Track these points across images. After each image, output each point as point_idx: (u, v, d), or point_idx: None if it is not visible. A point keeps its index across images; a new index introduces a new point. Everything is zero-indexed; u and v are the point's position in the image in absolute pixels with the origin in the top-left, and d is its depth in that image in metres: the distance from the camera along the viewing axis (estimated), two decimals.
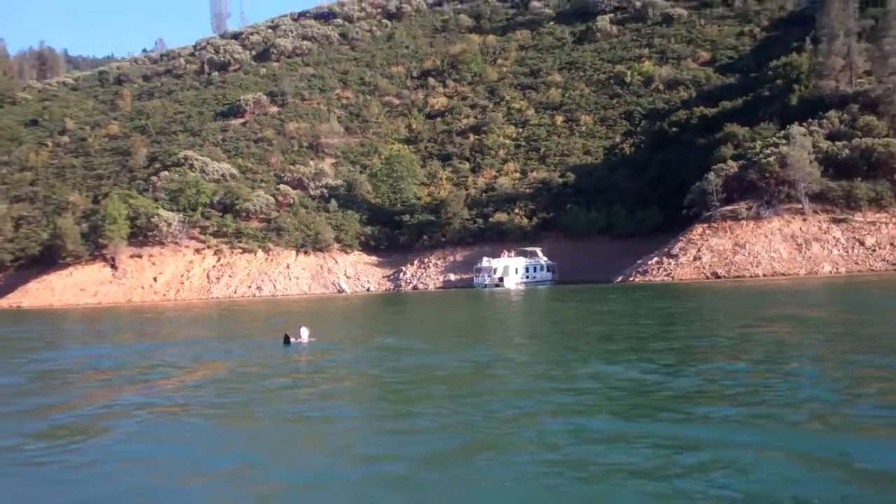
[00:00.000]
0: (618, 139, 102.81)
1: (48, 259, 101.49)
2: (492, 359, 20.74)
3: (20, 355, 28.88)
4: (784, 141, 73.88)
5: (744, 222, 72.84)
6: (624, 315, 35.45)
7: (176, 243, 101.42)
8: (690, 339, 23.32)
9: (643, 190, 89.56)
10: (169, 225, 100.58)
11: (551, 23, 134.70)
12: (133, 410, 14.82)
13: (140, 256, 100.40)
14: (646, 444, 10.29)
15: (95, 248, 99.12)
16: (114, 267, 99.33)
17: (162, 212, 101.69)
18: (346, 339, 29.60)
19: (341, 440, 12.01)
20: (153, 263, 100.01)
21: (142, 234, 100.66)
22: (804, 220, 71.38)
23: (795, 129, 74.71)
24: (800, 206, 71.96)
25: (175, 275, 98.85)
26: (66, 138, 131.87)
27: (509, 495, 8.74)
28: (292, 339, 24.79)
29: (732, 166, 76.47)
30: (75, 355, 28.47)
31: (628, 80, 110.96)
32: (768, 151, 73.91)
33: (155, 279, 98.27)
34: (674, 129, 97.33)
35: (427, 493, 9.10)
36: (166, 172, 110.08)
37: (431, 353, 22.90)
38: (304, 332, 25.04)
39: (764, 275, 67.01)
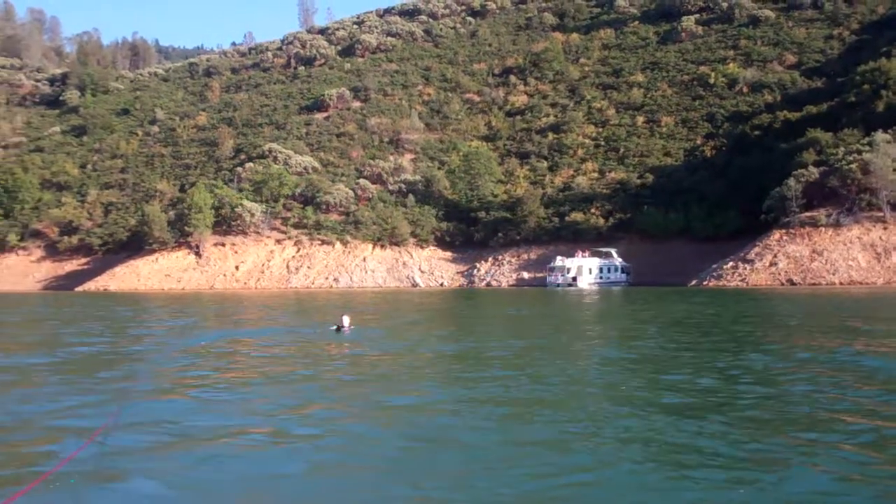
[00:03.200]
0: (699, 141, 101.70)
1: (135, 245, 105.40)
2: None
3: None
4: (868, 148, 72.62)
5: (822, 229, 71.84)
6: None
7: (258, 233, 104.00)
8: None
9: (723, 193, 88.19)
10: (252, 215, 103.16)
11: (636, 22, 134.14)
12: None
13: (223, 245, 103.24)
14: None
15: (181, 235, 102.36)
16: (198, 254, 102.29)
17: (246, 202, 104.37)
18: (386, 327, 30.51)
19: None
20: (235, 252, 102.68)
21: (225, 224, 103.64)
22: (885, 228, 70.13)
23: (880, 136, 73.35)
24: (881, 214, 70.78)
25: (256, 264, 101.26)
26: (155, 128, 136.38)
27: None
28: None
29: (813, 172, 75.30)
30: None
31: (712, 81, 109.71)
32: (851, 158, 72.70)
33: (237, 267, 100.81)
34: (756, 133, 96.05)
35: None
36: (251, 164, 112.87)
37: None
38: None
39: (840, 283, 65.97)
